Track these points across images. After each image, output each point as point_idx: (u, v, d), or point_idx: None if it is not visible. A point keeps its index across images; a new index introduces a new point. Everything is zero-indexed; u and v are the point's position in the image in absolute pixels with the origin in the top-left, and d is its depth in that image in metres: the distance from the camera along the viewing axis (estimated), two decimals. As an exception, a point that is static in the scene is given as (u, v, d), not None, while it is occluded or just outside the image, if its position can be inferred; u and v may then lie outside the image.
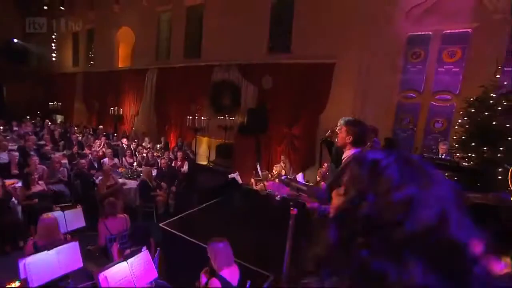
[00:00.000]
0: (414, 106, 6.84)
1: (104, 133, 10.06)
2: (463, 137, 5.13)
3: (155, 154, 7.18)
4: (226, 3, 8.58)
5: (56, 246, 2.38)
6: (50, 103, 12.94)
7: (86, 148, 6.96)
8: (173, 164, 6.06)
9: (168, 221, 3.16)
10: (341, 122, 2.05)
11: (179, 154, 6.37)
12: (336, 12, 6.87)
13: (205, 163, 9.79)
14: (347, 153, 1.90)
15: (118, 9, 11.23)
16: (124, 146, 7.28)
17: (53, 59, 13.42)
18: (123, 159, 6.16)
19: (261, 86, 8.19)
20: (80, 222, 3.32)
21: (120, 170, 5.58)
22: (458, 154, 5.16)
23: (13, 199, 3.76)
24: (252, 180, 6.41)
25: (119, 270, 2.09)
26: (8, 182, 4.15)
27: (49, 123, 10.70)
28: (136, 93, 11.14)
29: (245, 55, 8.31)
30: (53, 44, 13.28)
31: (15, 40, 13.82)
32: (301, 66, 7.48)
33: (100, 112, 12.29)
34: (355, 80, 6.95)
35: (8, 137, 7.46)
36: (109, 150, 6.17)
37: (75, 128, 10.42)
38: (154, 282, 2.25)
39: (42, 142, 7.43)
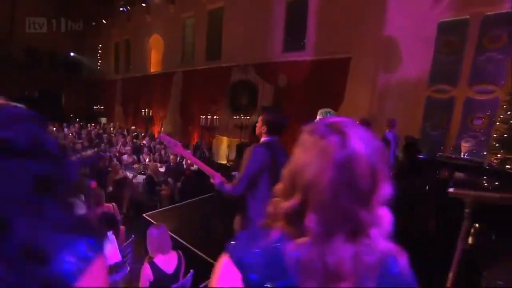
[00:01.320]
0: (447, 101, 6.10)
1: (134, 133, 10.97)
2: (505, 135, 4.51)
3: (188, 150, 7.53)
4: (243, 5, 8.73)
5: None
6: (94, 107, 14.48)
7: (113, 146, 7.63)
8: (183, 162, 6.34)
9: (152, 212, 3.36)
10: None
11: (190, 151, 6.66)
12: (352, 2, 6.54)
13: (224, 162, 10.06)
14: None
15: (150, 19, 12.11)
16: (146, 144, 7.80)
17: (98, 67, 14.97)
18: (141, 156, 6.63)
19: (276, 85, 8.17)
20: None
21: (135, 166, 6.02)
22: (498, 155, 4.56)
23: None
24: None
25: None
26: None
27: (91, 124, 11.98)
28: (164, 96, 11.88)
29: (261, 54, 8.38)
30: (98, 55, 14.84)
31: (72, 54, 15.74)
32: (315, 63, 7.28)
33: (135, 114, 13.36)
34: (372, 74, 6.55)
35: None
36: (128, 148, 6.73)
37: (111, 128, 11.46)
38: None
39: (79, 141, 8.34)
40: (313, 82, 7.33)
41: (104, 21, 13.66)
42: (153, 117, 12.42)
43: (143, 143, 7.84)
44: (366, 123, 3.94)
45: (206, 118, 8.53)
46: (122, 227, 2.73)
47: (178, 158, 6.41)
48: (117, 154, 6.42)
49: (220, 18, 9.68)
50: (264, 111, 1.95)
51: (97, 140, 8.96)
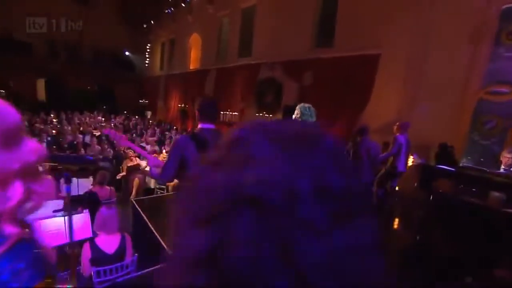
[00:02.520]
0: (507, 105, 5.00)
1: (169, 126, 11.74)
2: None
3: None
4: (274, 2, 8.63)
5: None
6: (140, 101, 15.86)
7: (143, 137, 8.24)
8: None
9: (142, 197, 3.53)
10: None
11: (206, 145, 6.82)
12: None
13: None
14: None
15: (191, 19, 12.75)
16: (169, 136, 8.26)
17: (146, 65, 16.33)
18: (163, 147, 7.03)
19: (302, 83, 7.90)
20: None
21: (154, 155, 6.41)
22: None
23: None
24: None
25: (55, 223, 2.37)
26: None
27: (136, 116, 13.14)
28: (199, 92, 12.40)
29: (288, 52, 8.19)
30: (147, 53, 16.20)
31: (127, 53, 17.49)
32: (342, 60, 6.83)
33: (174, 108, 14.23)
34: (404, 73, 5.89)
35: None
36: (150, 139, 7.20)
37: (150, 121, 12.40)
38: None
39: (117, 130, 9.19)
40: (340, 80, 6.90)
41: (152, 22, 14.79)
42: (188, 112, 13.07)
43: (172, 135, 8.30)
44: (364, 129, 3.62)
45: (225, 114, 8.63)
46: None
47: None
48: (141, 144, 6.90)
49: (252, 16, 9.73)
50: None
51: (134, 130, 9.79)
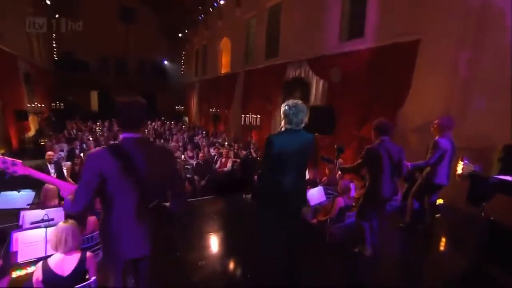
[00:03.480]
0: None
1: (203, 131, 11.93)
2: None
3: (222, 150, 7.66)
4: (300, -3, 8.16)
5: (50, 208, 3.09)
6: (176, 107, 16.56)
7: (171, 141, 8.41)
8: (219, 160, 6.37)
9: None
10: None
11: (224, 150, 6.61)
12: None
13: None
14: None
15: (221, 24, 12.85)
16: (196, 141, 8.26)
17: (182, 72, 17.01)
18: (185, 152, 7.05)
19: (330, 80, 7.26)
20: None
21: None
22: None
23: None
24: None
25: (34, 235, 2.28)
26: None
27: (171, 121, 13.69)
28: (230, 96, 12.41)
29: (315, 48, 7.63)
30: (182, 61, 16.88)
31: (165, 62, 18.53)
32: (376, 51, 6.03)
33: (207, 113, 14.51)
34: (452, 59, 4.90)
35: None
36: (173, 144, 7.27)
37: (183, 126, 12.76)
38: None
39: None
40: (371, 74, 6.11)
41: (187, 31, 15.33)
42: (220, 116, 13.18)
43: (196, 140, 8.32)
44: (383, 127, 2.92)
45: (245, 117, 8.35)
46: (92, 217, 2.83)
47: (216, 157, 6.48)
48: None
49: (278, 14, 9.36)
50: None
51: (164, 135, 10.11)
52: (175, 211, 1.65)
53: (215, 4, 12.11)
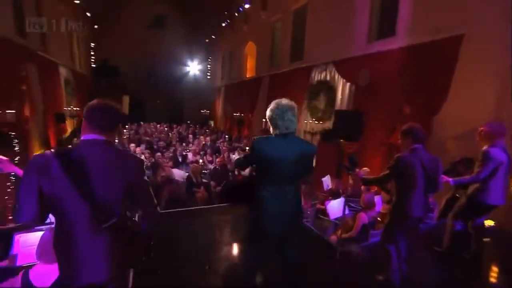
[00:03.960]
0: None
1: (226, 136, 11.91)
2: None
3: (242, 154, 7.53)
4: (326, -3, 7.81)
5: None
6: (201, 111, 16.81)
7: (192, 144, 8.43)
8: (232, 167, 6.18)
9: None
10: None
11: (243, 155, 6.39)
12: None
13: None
14: None
15: (246, 28, 12.84)
16: (219, 146, 8.18)
17: (208, 77, 17.28)
18: (204, 157, 6.97)
19: (357, 84, 6.78)
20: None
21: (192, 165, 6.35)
22: None
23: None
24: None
25: (35, 238, 2.17)
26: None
27: (195, 125, 13.87)
28: (253, 100, 12.27)
29: (342, 50, 7.22)
30: (208, 66, 17.17)
31: (193, 67, 19.01)
32: (410, 50, 5.49)
33: (231, 117, 14.51)
34: (502, 58, 4.24)
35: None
36: (193, 148, 7.22)
37: (207, 130, 12.85)
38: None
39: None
40: (404, 75, 5.56)
41: (213, 36, 15.56)
42: (244, 120, 13.08)
43: (217, 144, 8.25)
44: (417, 133, 2.44)
45: (261, 122, 8.07)
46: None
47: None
48: (183, 153, 6.98)
49: (304, 16, 9.06)
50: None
51: (187, 138, 10.19)
52: (145, 229, 1.43)
53: (241, 9, 12.12)
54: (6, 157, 1.75)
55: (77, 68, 13.91)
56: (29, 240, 2.33)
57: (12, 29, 8.04)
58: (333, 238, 3.25)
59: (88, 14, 13.13)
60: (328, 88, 7.82)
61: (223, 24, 14.02)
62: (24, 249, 2.31)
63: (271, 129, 1.90)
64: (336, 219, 3.55)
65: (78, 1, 11.67)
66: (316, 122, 7.67)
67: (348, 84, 7.19)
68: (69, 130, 11.57)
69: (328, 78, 7.90)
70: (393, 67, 5.78)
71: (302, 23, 9.22)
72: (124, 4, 15.53)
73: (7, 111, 6.14)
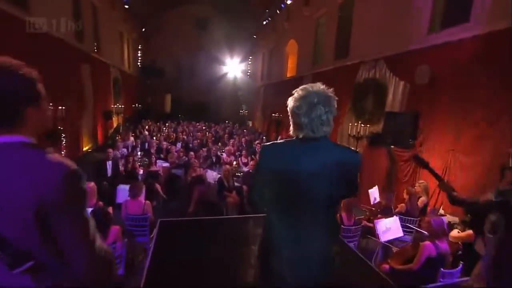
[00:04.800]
0: None
1: (264, 137, 11.59)
2: None
3: None
4: (378, -15, 6.99)
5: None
6: (240, 111, 16.71)
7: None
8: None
9: (171, 219, 3.03)
10: None
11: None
12: None
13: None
14: None
15: (287, 25, 12.35)
16: (256, 148, 7.86)
17: (248, 76, 17.14)
18: (239, 158, 6.67)
19: (414, 81, 5.88)
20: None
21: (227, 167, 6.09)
22: None
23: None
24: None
25: None
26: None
27: (233, 125, 13.80)
28: (293, 101, 11.74)
29: (395, 44, 6.38)
30: (248, 65, 17.02)
31: (233, 67, 19.11)
32: (485, 39, 4.50)
33: (270, 118, 14.13)
34: None
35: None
36: (228, 148, 6.96)
37: (244, 130, 12.63)
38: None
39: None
40: (479, 71, 4.59)
41: (255, 36, 15.35)
42: (282, 121, 12.60)
43: (254, 146, 7.93)
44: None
45: None
46: (115, 227, 2.55)
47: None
48: (218, 153, 6.76)
49: (350, 10, 8.31)
50: None
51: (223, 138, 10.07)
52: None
53: (282, 5, 11.66)
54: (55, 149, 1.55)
55: (125, 69, 14.81)
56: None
57: (71, 33, 8.73)
58: (384, 267, 2.63)
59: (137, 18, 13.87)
60: (377, 87, 6.98)
61: (264, 23, 13.69)
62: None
63: (291, 129, 1.33)
64: (388, 241, 2.91)
65: (127, 6, 12.32)
66: (362, 125, 6.88)
67: (401, 83, 6.30)
68: (114, 126, 12.30)
69: (377, 75, 7.07)
70: (462, 60, 4.83)
71: (348, 17, 8.46)
72: (169, 8, 16.15)
73: (58, 107, 6.51)
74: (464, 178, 4.67)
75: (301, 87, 1.36)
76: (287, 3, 11.35)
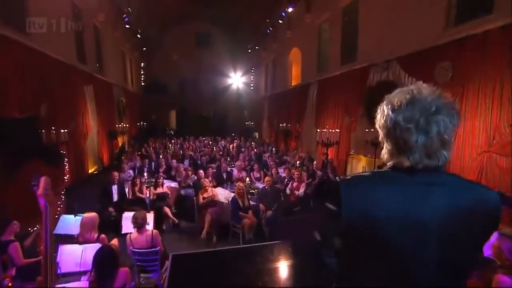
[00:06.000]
0: None
1: (273, 148, 11.22)
2: None
3: (293, 171, 6.64)
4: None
5: (87, 243, 2.66)
6: (246, 123, 16.42)
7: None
8: (291, 184, 5.37)
9: (184, 252, 2.63)
10: None
11: (296, 172, 5.49)
12: None
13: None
14: None
15: (290, 34, 12.18)
16: (266, 160, 7.47)
17: (251, 88, 16.95)
18: (251, 174, 6.28)
19: (433, 81, 5.50)
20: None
21: (238, 183, 5.69)
22: None
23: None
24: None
25: (74, 250, 2.55)
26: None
27: (240, 138, 13.47)
28: (300, 109, 11.40)
29: (409, 42, 6.03)
30: (251, 77, 16.87)
31: (236, 79, 19.03)
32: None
33: (277, 128, 13.79)
34: None
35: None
36: (238, 163, 6.57)
37: (252, 143, 12.26)
38: None
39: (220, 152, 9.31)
40: (506, 63, 4.20)
41: (257, 47, 15.24)
42: (290, 131, 12.25)
43: (264, 158, 7.54)
44: None
45: (320, 132, 7.09)
46: (123, 270, 2.17)
47: (286, 180, 5.49)
48: (228, 169, 6.39)
49: (355, 12, 8.05)
50: None
51: (232, 153, 9.71)
52: None
53: (283, 14, 11.52)
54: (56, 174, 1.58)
55: (129, 87, 14.75)
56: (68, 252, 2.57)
57: (74, 55, 8.66)
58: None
59: (139, 36, 13.90)
60: (392, 90, 6.59)
61: (266, 32, 13.56)
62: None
63: (385, 152, 0.91)
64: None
65: (128, 26, 12.33)
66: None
67: (419, 83, 5.90)
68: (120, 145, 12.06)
69: (391, 78, 6.70)
70: (490, 54, 4.45)
71: (354, 20, 8.20)
72: (169, 26, 16.24)
73: (61, 130, 6.27)
74: (504, 181, 4.20)
75: (398, 90, 0.93)
76: (288, 11, 11.20)
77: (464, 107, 4.86)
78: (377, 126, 0.94)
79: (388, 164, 0.89)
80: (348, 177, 0.89)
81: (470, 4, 5.04)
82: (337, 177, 1.02)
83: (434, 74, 5.42)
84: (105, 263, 2.09)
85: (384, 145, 0.91)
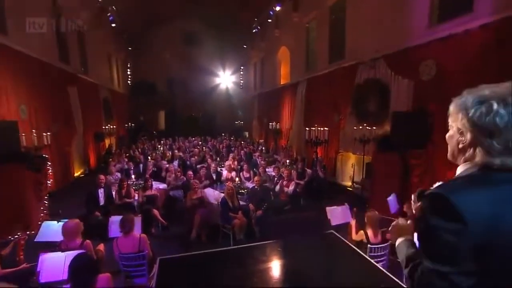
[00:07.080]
0: None
1: (263, 147, 11.19)
2: None
3: (282, 170, 6.64)
4: (370, -17, 6.81)
5: (70, 250, 2.57)
6: (235, 122, 16.35)
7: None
8: (280, 183, 5.36)
9: (172, 256, 2.58)
10: None
11: (285, 171, 5.50)
12: None
13: (348, 184, 8.15)
14: None
15: (278, 33, 12.18)
16: (257, 160, 7.45)
17: (241, 87, 16.88)
18: (241, 173, 6.25)
19: (418, 78, 5.61)
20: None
21: (228, 183, 5.65)
22: None
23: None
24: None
25: (56, 258, 2.42)
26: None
27: (231, 137, 13.39)
28: (290, 108, 11.44)
29: (395, 40, 6.13)
30: (240, 76, 16.80)
31: (225, 78, 18.90)
32: (494, 28, 4.26)
33: (266, 127, 13.78)
34: None
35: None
36: (227, 163, 6.54)
37: (242, 142, 12.22)
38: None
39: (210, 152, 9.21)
40: (488, 60, 4.32)
41: (245, 46, 15.18)
42: (280, 130, 12.26)
43: (254, 158, 7.51)
44: None
45: (309, 131, 7.13)
46: (103, 276, 2.10)
47: (276, 178, 5.48)
48: (218, 169, 6.34)
49: (343, 10, 8.12)
50: None
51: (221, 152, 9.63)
52: None
53: (271, 13, 11.51)
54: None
55: (115, 88, 14.43)
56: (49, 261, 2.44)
57: (56, 56, 8.39)
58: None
59: (124, 36, 13.60)
60: (379, 87, 6.70)
61: (254, 31, 13.52)
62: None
63: (472, 154, 0.82)
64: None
65: (113, 25, 12.04)
66: (368, 127, 6.56)
67: (405, 81, 6.02)
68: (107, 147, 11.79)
69: (378, 75, 6.80)
70: (470, 52, 4.56)
71: (341, 18, 8.27)
72: (156, 25, 15.95)
73: (43, 134, 6.07)
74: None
75: (486, 86, 0.84)
76: (275, 10, 11.19)
77: (444, 106, 4.97)
78: (467, 125, 0.81)
79: (473, 164, 0.81)
80: (451, 186, 0.78)
81: (452, 4, 5.15)
82: (430, 189, 0.82)
83: (419, 72, 5.53)
84: (80, 271, 2.02)
85: (477, 147, 0.80)
